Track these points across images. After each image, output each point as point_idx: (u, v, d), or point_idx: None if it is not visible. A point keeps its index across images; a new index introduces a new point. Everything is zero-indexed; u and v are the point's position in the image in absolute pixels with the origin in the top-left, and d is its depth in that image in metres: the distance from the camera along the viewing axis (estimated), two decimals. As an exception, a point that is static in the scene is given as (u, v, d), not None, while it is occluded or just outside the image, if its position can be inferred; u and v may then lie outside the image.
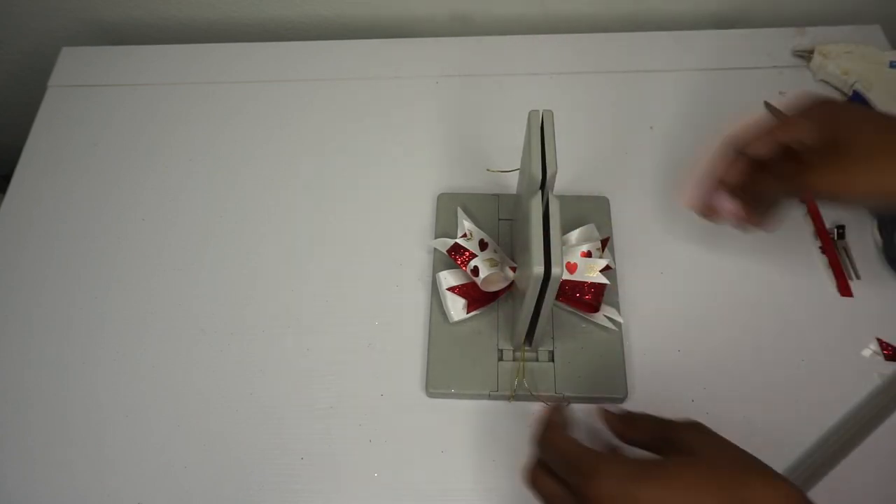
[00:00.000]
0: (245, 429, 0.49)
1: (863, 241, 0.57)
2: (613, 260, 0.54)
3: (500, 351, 0.50)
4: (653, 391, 0.49)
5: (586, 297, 0.49)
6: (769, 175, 0.43)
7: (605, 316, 0.51)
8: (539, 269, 0.36)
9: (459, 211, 0.55)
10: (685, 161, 0.61)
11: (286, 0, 0.72)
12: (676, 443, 0.34)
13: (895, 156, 0.38)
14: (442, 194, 0.58)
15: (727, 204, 0.45)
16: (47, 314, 0.55)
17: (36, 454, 0.49)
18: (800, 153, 0.41)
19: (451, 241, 0.52)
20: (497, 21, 0.74)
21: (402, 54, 0.69)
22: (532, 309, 0.41)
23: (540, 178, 0.39)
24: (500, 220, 0.56)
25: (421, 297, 0.54)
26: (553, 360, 0.50)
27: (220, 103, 0.66)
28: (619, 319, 0.51)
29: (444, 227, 0.56)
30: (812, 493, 0.46)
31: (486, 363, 0.49)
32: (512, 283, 0.50)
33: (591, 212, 0.56)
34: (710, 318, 0.53)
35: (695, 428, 0.35)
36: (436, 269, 0.53)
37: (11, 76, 0.83)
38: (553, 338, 0.51)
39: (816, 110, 0.41)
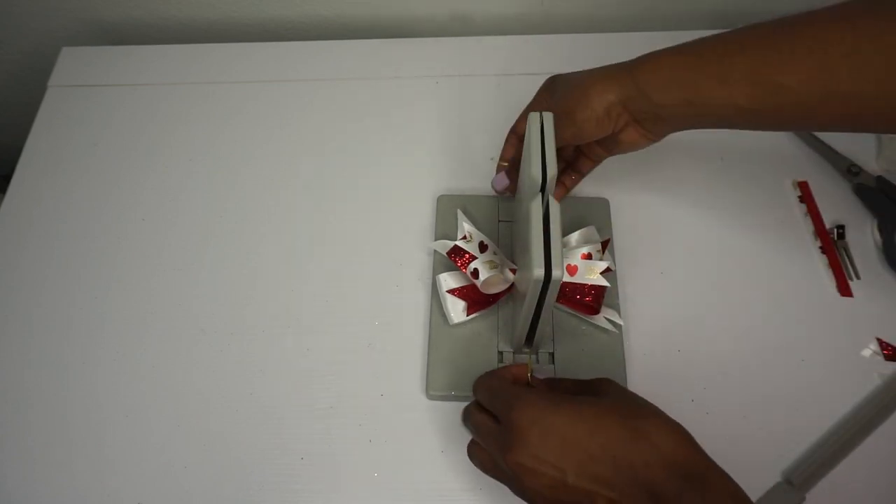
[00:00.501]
0: (245, 429, 0.49)
1: (863, 241, 0.57)
2: (614, 262, 0.54)
3: (501, 353, 0.50)
4: (653, 391, 0.49)
5: (587, 300, 0.49)
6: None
7: (606, 318, 0.51)
8: (539, 272, 0.36)
9: (459, 213, 0.55)
10: (685, 161, 0.61)
11: (286, 0, 0.72)
12: (589, 392, 0.39)
13: (578, 96, 0.44)
14: (442, 196, 0.58)
15: (503, 180, 0.52)
16: (47, 314, 0.55)
17: (36, 454, 0.49)
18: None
19: (450, 244, 0.52)
20: (497, 21, 0.74)
21: (402, 54, 0.69)
22: (532, 311, 0.41)
23: (540, 180, 0.39)
24: (500, 221, 0.56)
25: (421, 298, 0.54)
26: (553, 363, 0.50)
27: (220, 103, 0.66)
28: (620, 322, 0.51)
29: (444, 228, 0.56)
30: (812, 493, 0.46)
31: (486, 365, 0.49)
32: (512, 286, 0.50)
33: (592, 214, 0.56)
34: (710, 318, 0.53)
35: (606, 381, 0.40)
36: (436, 270, 0.53)
37: (11, 76, 0.83)
38: (553, 340, 0.51)
39: (546, 83, 0.49)
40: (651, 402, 0.37)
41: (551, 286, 0.37)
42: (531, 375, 0.42)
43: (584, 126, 0.45)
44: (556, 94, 0.46)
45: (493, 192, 0.55)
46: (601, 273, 0.49)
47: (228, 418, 0.50)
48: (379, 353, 0.52)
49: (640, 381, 0.50)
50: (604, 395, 0.38)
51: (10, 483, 0.48)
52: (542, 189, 0.39)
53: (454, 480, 0.47)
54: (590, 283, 0.49)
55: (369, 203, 0.59)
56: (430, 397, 0.49)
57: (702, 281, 0.55)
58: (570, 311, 0.51)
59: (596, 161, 0.52)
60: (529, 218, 0.38)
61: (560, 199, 0.53)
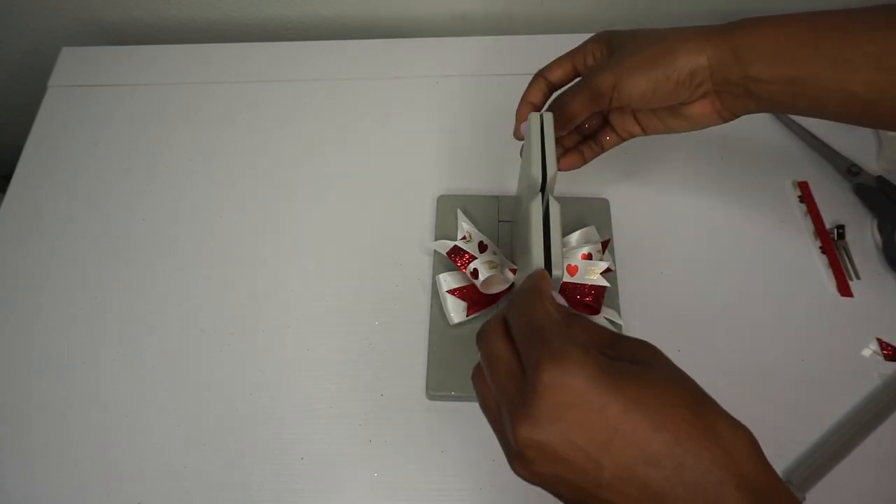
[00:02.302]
0: (245, 429, 0.49)
1: (863, 241, 0.57)
2: (614, 262, 0.54)
3: None
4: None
5: (587, 300, 0.49)
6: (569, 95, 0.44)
7: (606, 318, 0.51)
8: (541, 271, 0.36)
9: (459, 213, 0.55)
10: (685, 161, 0.61)
11: (286, 0, 0.72)
12: (627, 357, 0.29)
13: (662, 52, 0.39)
14: (442, 196, 0.58)
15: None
16: (47, 314, 0.55)
17: (36, 454, 0.49)
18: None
19: (450, 244, 0.52)
20: (497, 21, 0.74)
21: (402, 54, 0.69)
22: None
23: (540, 180, 0.39)
24: (500, 221, 0.56)
25: (421, 298, 0.54)
26: None
27: (220, 103, 0.66)
28: (620, 322, 0.51)
29: (444, 228, 0.56)
30: (812, 493, 0.46)
31: None
32: (512, 286, 0.50)
33: (592, 214, 0.56)
34: (710, 318, 0.53)
35: (651, 348, 0.30)
36: (436, 270, 0.53)
37: (11, 76, 0.83)
38: None
39: (600, 35, 0.44)
40: None
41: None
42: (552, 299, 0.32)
43: (661, 86, 0.38)
44: (623, 48, 0.41)
45: (518, 139, 0.47)
46: (601, 273, 0.49)
47: (228, 418, 0.50)
48: (379, 353, 0.52)
49: (640, 381, 0.50)
50: (657, 369, 0.28)
51: (10, 483, 0.48)
52: (542, 189, 0.39)
53: (454, 480, 0.47)
54: (590, 283, 0.49)
55: (369, 203, 0.59)
56: (430, 397, 0.49)
57: (702, 281, 0.55)
58: None
59: (624, 138, 0.47)
60: (529, 218, 0.38)
61: (577, 167, 0.48)
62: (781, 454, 0.48)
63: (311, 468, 0.48)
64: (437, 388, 0.49)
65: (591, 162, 0.49)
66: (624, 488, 0.25)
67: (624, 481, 0.25)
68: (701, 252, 0.56)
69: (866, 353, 0.52)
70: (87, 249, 0.58)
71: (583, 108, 0.42)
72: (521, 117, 0.46)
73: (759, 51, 0.36)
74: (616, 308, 0.52)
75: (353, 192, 0.60)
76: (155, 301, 0.55)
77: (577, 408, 0.25)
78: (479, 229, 0.54)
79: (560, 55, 0.45)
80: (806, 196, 0.59)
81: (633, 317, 0.53)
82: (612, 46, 0.42)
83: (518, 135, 0.46)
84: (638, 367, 0.28)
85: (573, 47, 0.45)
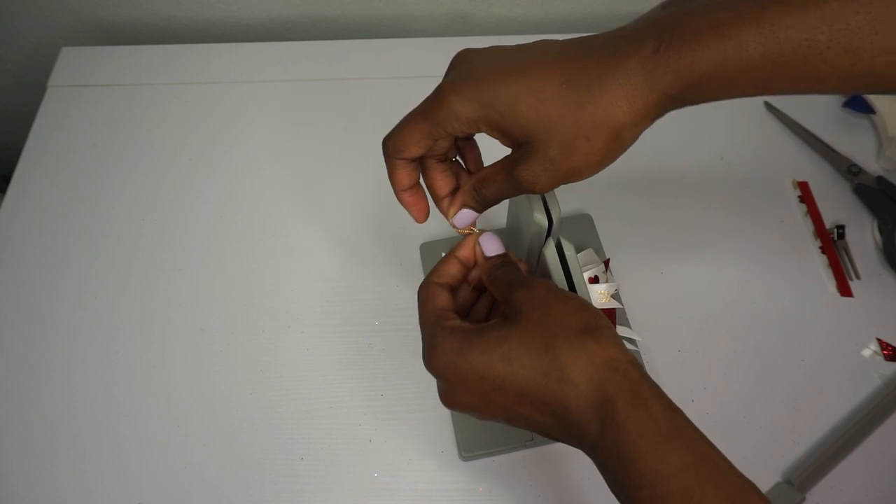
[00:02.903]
0: (245, 429, 0.49)
1: (863, 241, 0.57)
2: (612, 273, 0.53)
3: None
4: (653, 391, 0.49)
5: None
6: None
7: (621, 336, 0.50)
8: None
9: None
10: (685, 161, 0.61)
11: (286, 0, 0.72)
12: (512, 306, 0.34)
13: (608, 139, 0.31)
14: (424, 244, 0.56)
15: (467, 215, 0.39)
16: (47, 314, 0.55)
17: (36, 454, 0.49)
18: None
19: None
20: (497, 21, 0.74)
21: (402, 54, 0.69)
22: None
23: (546, 225, 0.37)
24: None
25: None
26: None
27: (220, 103, 0.66)
28: (637, 337, 0.50)
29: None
30: (812, 493, 0.46)
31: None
32: None
33: (578, 231, 0.55)
34: (710, 318, 0.53)
35: (525, 294, 0.34)
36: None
37: (11, 76, 0.83)
38: None
39: (451, 94, 0.34)
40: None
41: None
42: (478, 251, 0.37)
43: (612, 158, 0.32)
44: (546, 146, 0.32)
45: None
46: (611, 296, 0.49)
47: (228, 418, 0.50)
48: (379, 353, 0.52)
49: (640, 381, 0.50)
50: (518, 316, 0.33)
51: (10, 483, 0.48)
52: (549, 233, 0.38)
53: (454, 480, 0.47)
54: (602, 307, 0.48)
55: (369, 203, 0.59)
56: (465, 458, 0.48)
57: (702, 281, 0.55)
58: None
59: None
60: (546, 265, 0.37)
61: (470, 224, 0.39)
62: (781, 454, 0.48)
63: (311, 468, 0.48)
64: (471, 449, 0.47)
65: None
66: (519, 410, 0.32)
67: (514, 422, 0.33)
68: (701, 252, 0.56)
69: (866, 353, 0.52)
70: (87, 249, 0.58)
71: (513, 196, 0.37)
72: (447, 208, 0.39)
73: (722, 83, 0.30)
74: (626, 323, 0.51)
75: (354, 191, 0.60)
76: (155, 301, 0.55)
77: (453, 376, 0.33)
78: None
79: (406, 126, 0.37)
80: (806, 196, 0.59)
81: (634, 316, 0.53)
82: (500, 123, 0.32)
83: (461, 224, 0.39)
84: (484, 328, 0.33)
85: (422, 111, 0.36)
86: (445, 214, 0.39)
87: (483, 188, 0.37)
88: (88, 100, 0.66)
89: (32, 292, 0.56)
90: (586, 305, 0.33)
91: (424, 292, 0.37)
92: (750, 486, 0.28)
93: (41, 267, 0.57)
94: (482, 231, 0.39)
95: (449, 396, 0.34)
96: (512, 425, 0.34)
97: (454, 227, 0.39)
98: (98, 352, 0.53)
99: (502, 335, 0.32)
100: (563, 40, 0.33)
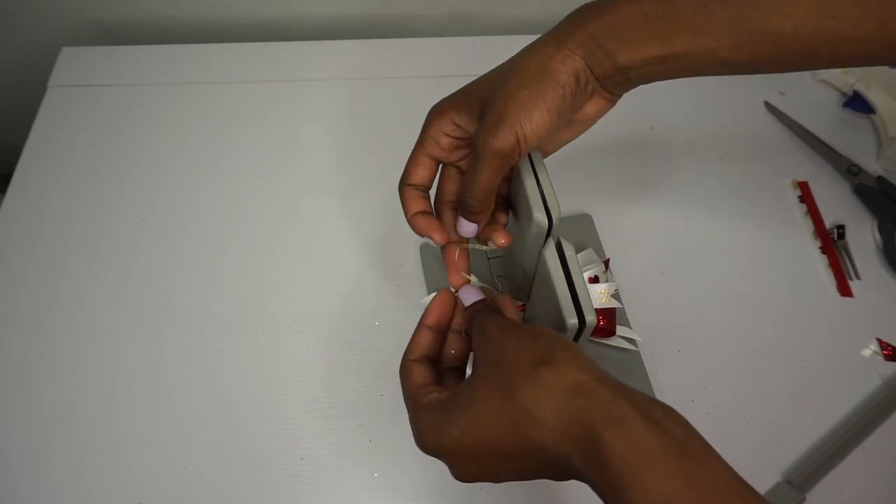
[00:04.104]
0: (245, 429, 0.49)
1: (863, 241, 0.57)
2: (612, 273, 0.53)
3: None
4: (653, 392, 0.49)
5: (601, 324, 0.48)
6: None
7: (621, 337, 0.50)
8: (573, 322, 0.35)
9: None
10: (685, 161, 0.61)
11: (286, 0, 0.72)
12: (474, 356, 0.34)
13: (540, 76, 0.35)
14: (424, 245, 0.56)
15: (466, 225, 0.39)
16: (47, 314, 0.55)
17: (36, 454, 0.49)
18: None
19: None
20: (497, 21, 0.74)
21: (402, 54, 0.69)
22: None
23: (546, 224, 0.37)
24: (489, 258, 0.54)
25: (421, 297, 0.54)
26: None
27: (220, 103, 0.66)
28: (636, 337, 0.50)
29: (434, 276, 0.53)
30: (812, 493, 0.46)
31: None
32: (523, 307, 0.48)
33: (578, 231, 0.55)
34: (710, 318, 0.53)
35: (480, 333, 0.34)
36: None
37: (11, 76, 0.83)
38: None
39: (439, 109, 0.40)
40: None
41: (585, 331, 0.36)
42: (471, 309, 0.37)
43: (560, 106, 0.34)
44: (491, 99, 0.35)
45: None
46: (611, 295, 0.48)
47: (228, 418, 0.50)
48: (379, 353, 0.52)
49: (640, 381, 0.50)
50: (476, 367, 0.33)
51: (10, 483, 0.48)
52: (549, 233, 0.37)
53: (454, 481, 0.47)
54: (602, 307, 0.48)
55: (369, 202, 0.59)
56: None
57: (702, 281, 0.55)
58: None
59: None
60: (546, 266, 0.37)
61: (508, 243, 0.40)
62: (781, 454, 0.48)
63: (311, 468, 0.48)
64: None
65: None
66: (512, 467, 0.32)
67: (508, 469, 0.32)
68: (701, 252, 0.56)
69: (866, 353, 0.52)
70: (87, 249, 0.58)
71: (494, 179, 0.36)
72: (432, 231, 0.40)
73: (621, 38, 0.34)
74: (626, 323, 0.51)
75: (354, 190, 0.60)
76: (155, 301, 0.55)
77: (448, 455, 0.33)
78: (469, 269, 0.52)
79: (410, 154, 0.40)
80: (806, 196, 0.59)
81: (633, 316, 0.53)
82: (468, 107, 0.37)
83: (466, 232, 0.40)
84: (452, 395, 0.33)
85: (416, 140, 0.40)
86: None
87: (465, 189, 0.37)
88: (88, 100, 0.66)
89: (32, 292, 0.56)
90: (539, 333, 0.32)
91: (402, 373, 0.37)
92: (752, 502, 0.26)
93: (41, 267, 0.57)
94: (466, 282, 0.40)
95: (457, 472, 0.34)
96: (526, 480, 0.32)
97: (461, 237, 0.40)
98: (98, 352, 0.53)
99: (467, 395, 0.31)
100: None
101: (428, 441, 0.33)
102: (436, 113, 0.39)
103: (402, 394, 0.36)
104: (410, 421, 0.35)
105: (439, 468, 0.47)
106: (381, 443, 0.49)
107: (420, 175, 0.40)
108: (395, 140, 0.63)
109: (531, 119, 0.34)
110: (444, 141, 0.39)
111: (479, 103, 0.36)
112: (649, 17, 0.33)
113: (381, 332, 0.53)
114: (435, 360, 0.38)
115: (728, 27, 0.32)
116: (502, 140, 0.34)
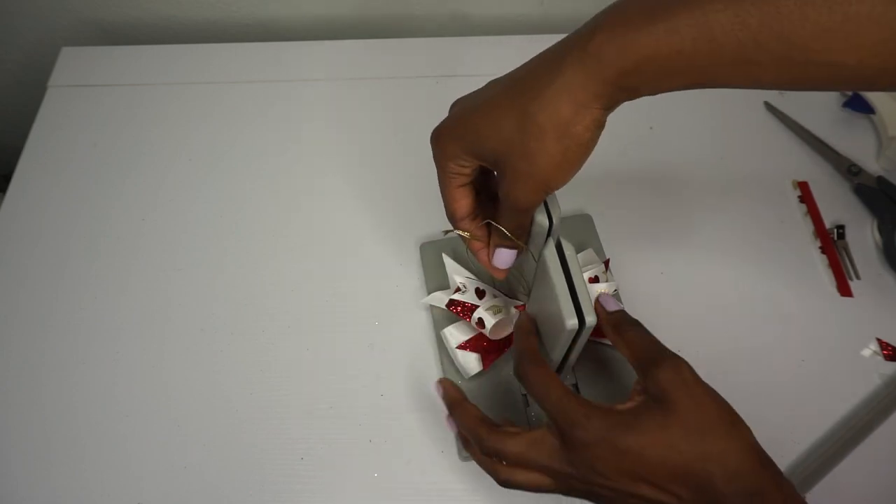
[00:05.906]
0: (245, 429, 0.49)
1: (863, 241, 0.57)
2: (612, 273, 0.53)
3: (525, 396, 0.48)
4: (653, 391, 0.49)
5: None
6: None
7: None
8: (573, 322, 0.35)
9: (446, 260, 0.52)
10: (685, 161, 0.61)
11: (286, 0, 0.72)
12: (660, 386, 0.35)
13: (576, 95, 0.31)
14: (424, 244, 0.56)
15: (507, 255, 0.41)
16: (47, 314, 0.55)
17: (35, 454, 0.49)
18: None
19: (445, 297, 0.50)
20: (497, 21, 0.74)
21: (402, 54, 0.69)
22: (561, 357, 0.40)
23: (547, 225, 0.37)
24: None
25: (421, 297, 0.54)
26: (577, 392, 0.48)
27: (220, 103, 0.66)
28: None
29: (434, 276, 0.53)
30: (812, 493, 0.46)
31: (516, 417, 0.47)
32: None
33: (578, 231, 0.55)
34: (710, 318, 0.53)
35: (674, 371, 0.35)
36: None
37: (11, 76, 0.83)
38: (574, 370, 0.49)
39: (456, 150, 0.38)
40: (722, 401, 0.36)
41: (584, 332, 0.36)
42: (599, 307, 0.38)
43: (581, 159, 0.33)
44: (513, 167, 0.34)
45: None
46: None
47: (228, 418, 0.50)
48: (379, 353, 0.52)
49: (640, 381, 0.50)
50: (669, 402, 0.34)
51: (10, 483, 0.48)
52: (549, 233, 0.38)
53: (454, 481, 0.47)
54: None
55: (369, 202, 0.59)
56: (465, 458, 0.47)
57: (702, 281, 0.55)
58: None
59: None
60: (546, 267, 0.37)
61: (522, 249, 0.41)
62: (781, 454, 0.48)
63: (311, 468, 0.48)
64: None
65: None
66: (668, 487, 0.33)
67: (654, 486, 0.33)
68: (701, 252, 0.56)
69: (866, 353, 0.52)
70: (87, 249, 0.58)
71: (525, 223, 0.38)
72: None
73: (647, 79, 0.30)
74: None
75: (354, 190, 0.60)
76: (155, 301, 0.55)
77: (603, 453, 0.33)
78: (469, 269, 0.52)
79: (441, 191, 0.41)
80: (806, 196, 0.59)
81: (634, 316, 0.52)
82: (478, 155, 0.36)
83: (502, 264, 0.41)
84: (640, 411, 0.34)
85: (440, 177, 0.41)
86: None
87: (499, 222, 0.39)
88: (88, 100, 0.66)
89: (32, 292, 0.56)
90: (720, 396, 0.36)
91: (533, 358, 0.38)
92: None
93: (41, 267, 0.57)
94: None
95: (583, 469, 0.34)
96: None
97: (496, 269, 0.42)
98: (98, 352, 0.53)
99: (661, 423, 0.33)
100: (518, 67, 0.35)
101: (591, 434, 0.33)
102: (448, 154, 0.38)
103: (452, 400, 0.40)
104: (560, 401, 0.35)
105: (439, 468, 0.48)
106: (381, 443, 0.49)
107: (464, 207, 0.40)
108: (396, 140, 0.63)
109: (558, 180, 0.34)
110: (467, 171, 0.38)
111: (491, 158, 0.35)
112: (683, 54, 0.29)
113: (381, 332, 0.53)
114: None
115: (778, 59, 0.29)
116: (533, 199, 0.35)
